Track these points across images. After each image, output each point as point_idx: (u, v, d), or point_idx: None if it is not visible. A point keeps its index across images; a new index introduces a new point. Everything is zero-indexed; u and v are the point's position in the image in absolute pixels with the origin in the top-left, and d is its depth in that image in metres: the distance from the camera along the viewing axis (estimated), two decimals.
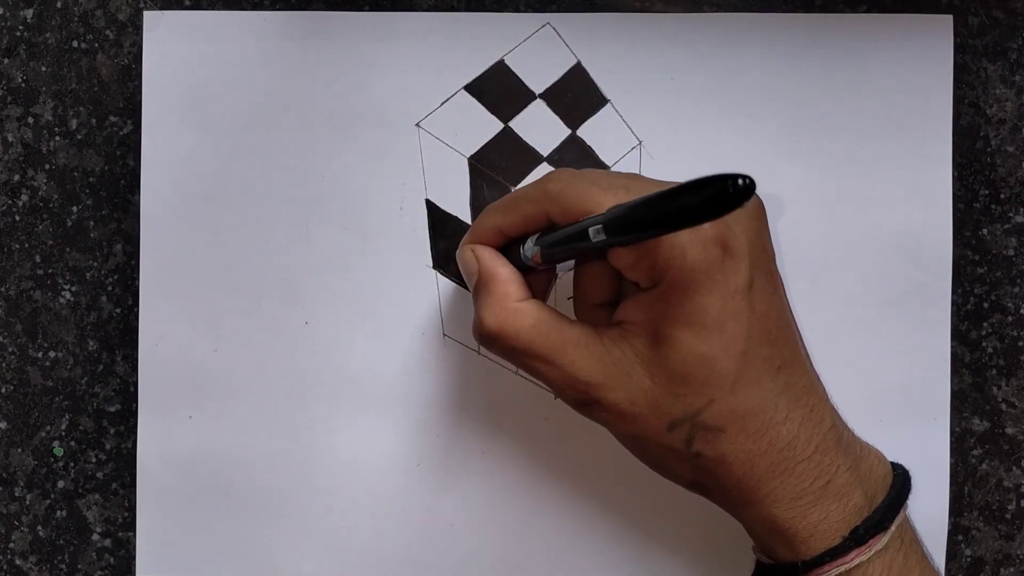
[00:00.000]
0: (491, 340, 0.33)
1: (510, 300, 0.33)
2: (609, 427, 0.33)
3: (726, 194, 0.25)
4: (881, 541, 0.32)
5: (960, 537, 0.40)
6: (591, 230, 0.29)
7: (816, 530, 0.32)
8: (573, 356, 0.32)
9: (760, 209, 0.32)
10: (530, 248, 0.33)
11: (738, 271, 0.30)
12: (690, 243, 0.30)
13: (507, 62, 0.39)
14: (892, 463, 0.34)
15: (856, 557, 0.31)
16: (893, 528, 0.32)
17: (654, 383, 0.31)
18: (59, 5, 0.40)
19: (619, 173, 0.33)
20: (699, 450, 0.31)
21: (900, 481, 0.33)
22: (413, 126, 0.39)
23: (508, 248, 0.34)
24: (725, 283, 0.30)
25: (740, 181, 0.25)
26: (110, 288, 0.40)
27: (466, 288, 0.39)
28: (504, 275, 0.33)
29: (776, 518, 0.32)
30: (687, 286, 0.30)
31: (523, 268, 0.34)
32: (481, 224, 0.35)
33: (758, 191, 0.32)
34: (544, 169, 0.39)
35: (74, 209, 0.40)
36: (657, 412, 0.31)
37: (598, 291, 0.34)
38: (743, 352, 0.30)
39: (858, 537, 0.31)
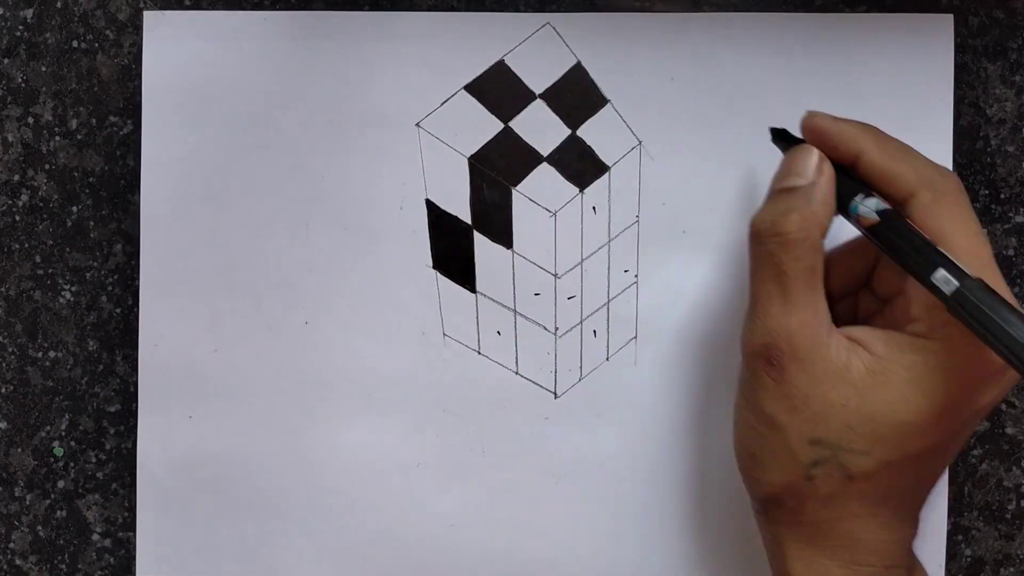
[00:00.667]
0: (780, 239, 0.30)
1: (820, 228, 0.31)
2: (752, 391, 0.32)
3: None
4: None
5: (960, 537, 0.40)
6: (937, 280, 0.28)
7: None
8: (808, 316, 0.30)
9: None
10: (867, 211, 0.31)
11: (1002, 394, 0.30)
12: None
13: (507, 62, 0.39)
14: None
15: None
16: None
17: (841, 404, 0.30)
18: (59, 5, 0.40)
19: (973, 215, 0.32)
20: (814, 475, 0.31)
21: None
22: (413, 126, 0.39)
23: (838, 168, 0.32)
24: (993, 395, 0.30)
25: None
26: (110, 288, 0.40)
27: (467, 288, 0.39)
28: (831, 206, 0.31)
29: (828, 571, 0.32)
30: (972, 371, 0.30)
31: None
32: (851, 132, 0.32)
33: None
34: (544, 169, 0.39)
35: (74, 209, 0.40)
36: (816, 421, 0.30)
37: (849, 275, 0.33)
38: (944, 448, 0.31)
39: None
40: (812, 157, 0.32)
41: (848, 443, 0.30)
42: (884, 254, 0.31)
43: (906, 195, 0.31)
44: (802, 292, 0.30)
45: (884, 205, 0.31)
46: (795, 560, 0.31)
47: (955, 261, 0.29)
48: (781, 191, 0.32)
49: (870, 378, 0.30)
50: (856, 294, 0.35)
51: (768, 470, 0.32)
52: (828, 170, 0.32)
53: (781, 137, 0.35)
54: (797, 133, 0.34)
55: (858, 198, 0.31)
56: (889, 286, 0.33)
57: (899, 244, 0.30)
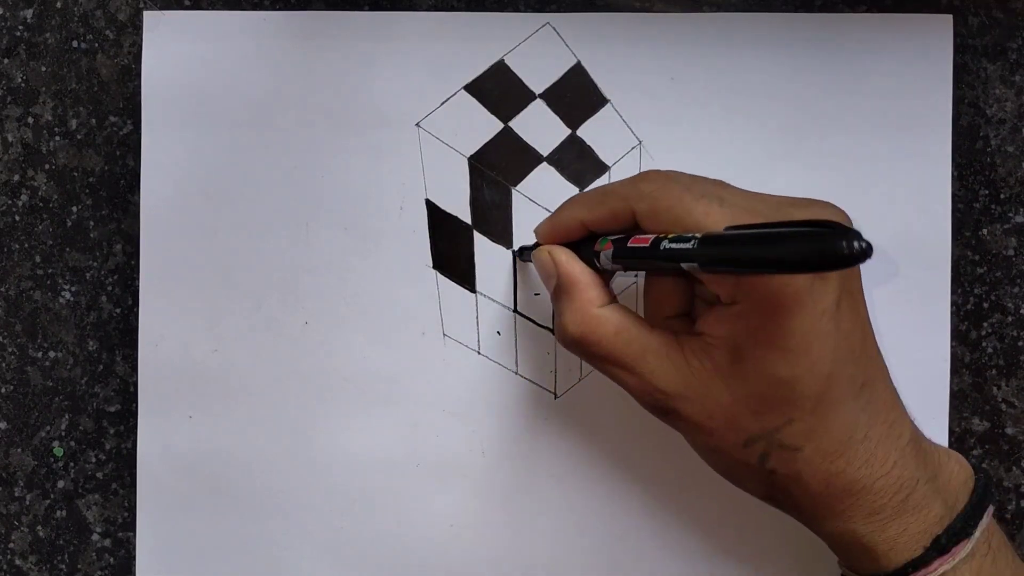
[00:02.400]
0: (574, 345, 0.33)
1: (592, 306, 0.32)
2: (685, 436, 0.33)
3: (840, 253, 0.23)
4: (966, 548, 0.31)
5: None
6: (685, 266, 0.28)
7: (896, 543, 0.31)
8: (653, 365, 0.31)
9: (848, 220, 0.31)
10: (607, 260, 0.32)
11: (826, 292, 0.29)
12: None
13: (507, 62, 0.39)
14: (973, 466, 0.34)
15: (940, 566, 0.31)
16: (978, 534, 0.31)
17: (733, 399, 0.30)
18: (59, 5, 0.40)
19: (708, 179, 0.32)
20: (774, 467, 0.31)
21: (982, 486, 0.33)
22: (413, 126, 0.39)
23: (581, 242, 0.34)
24: (813, 305, 0.29)
25: (857, 244, 0.23)
26: (110, 288, 0.40)
27: (467, 288, 0.39)
28: (584, 280, 0.33)
29: (853, 532, 0.31)
30: (774, 307, 0.29)
31: (593, 266, 0.33)
32: (563, 216, 0.35)
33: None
34: (544, 169, 0.39)
35: (74, 209, 0.40)
36: (734, 427, 0.31)
37: (671, 303, 0.33)
38: (828, 374, 0.30)
39: (940, 546, 0.31)
40: (543, 253, 0.35)
41: (769, 423, 0.30)
42: (653, 271, 0.33)
43: (631, 219, 0.32)
44: (630, 355, 0.32)
45: (608, 251, 0.32)
46: (855, 524, 0.31)
47: (682, 237, 0.29)
48: (551, 299, 0.34)
49: (731, 358, 0.30)
50: (692, 298, 0.35)
51: (743, 482, 0.33)
52: (561, 254, 0.34)
53: (523, 252, 0.38)
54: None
55: (598, 257, 0.33)
56: (715, 285, 0.32)
57: (642, 262, 0.31)
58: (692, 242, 0.28)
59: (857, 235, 0.23)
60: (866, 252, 0.23)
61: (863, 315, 0.31)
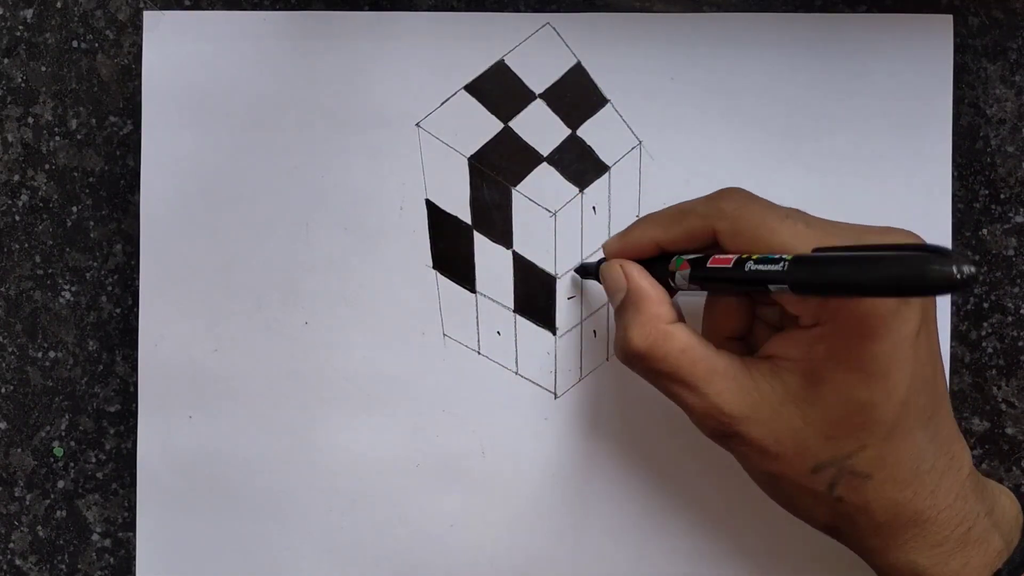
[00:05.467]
0: (637, 360, 0.32)
1: (661, 321, 0.32)
2: (744, 461, 0.32)
3: (949, 277, 0.22)
4: None
5: None
6: (773, 288, 0.28)
7: None
8: (720, 387, 0.31)
9: None
10: (683, 280, 0.32)
11: (910, 319, 0.29)
12: None
13: (507, 62, 0.39)
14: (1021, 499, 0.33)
15: None
16: None
17: (804, 423, 0.30)
18: (59, 5, 0.40)
19: (784, 207, 0.32)
20: (842, 495, 0.31)
21: None
22: (413, 126, 0.39)
23: (653, 264, 0.34)
24: (898, 329, 0.29)
25: (968, 269, 0.22)
26: (110, 288, 0.40)
27: (467, 288, 0.39)
28: (655, 296, 0.32)
29: (915, 564, 0.31)
30: (858, 331, 0.29)
31: (665, 286, 0.33)
32: (637, 234, 0.34)
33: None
34: (544, 169, 0.39)
35: (74, 209, 0.40)
36: (803, 453, 0.30)
37: (733, 323, 0.33)
38: (903, 401, 0.29)
39: None
40: (614, 267, 0.34)
41: (842, 449, 0.30)
42: (731, 293, 0.33)
43: (710, 239, 0.32)
44: (697, 374, 0.31)
45: (685, 271, 0.32)
46: (919, 556, 0.31)
47: (768, 257, 0.29)
48: (616, 312, 0.34)
49: (805, 381, 0.30)
50: (753, 320, 0.34)
51: (805, 511, 0.32)
52: (633, 268, 0.34)
53: (586, 271, 0.38)
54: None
55: (673, 278, 0.32)
56: (796, 307, 0.32)
57: (723, 283, 0.31)
58: (782, 264, 0.28)
59: (967, 258, 0.23)
60: (975, 277, 0.23)
61: (937, 346, 0.31)
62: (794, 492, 0.32)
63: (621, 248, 0.35)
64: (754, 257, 0.29)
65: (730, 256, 0.30)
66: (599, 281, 0.36)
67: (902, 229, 0.31)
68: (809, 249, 0.29)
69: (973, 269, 0.23)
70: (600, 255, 0.37)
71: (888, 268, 0.24)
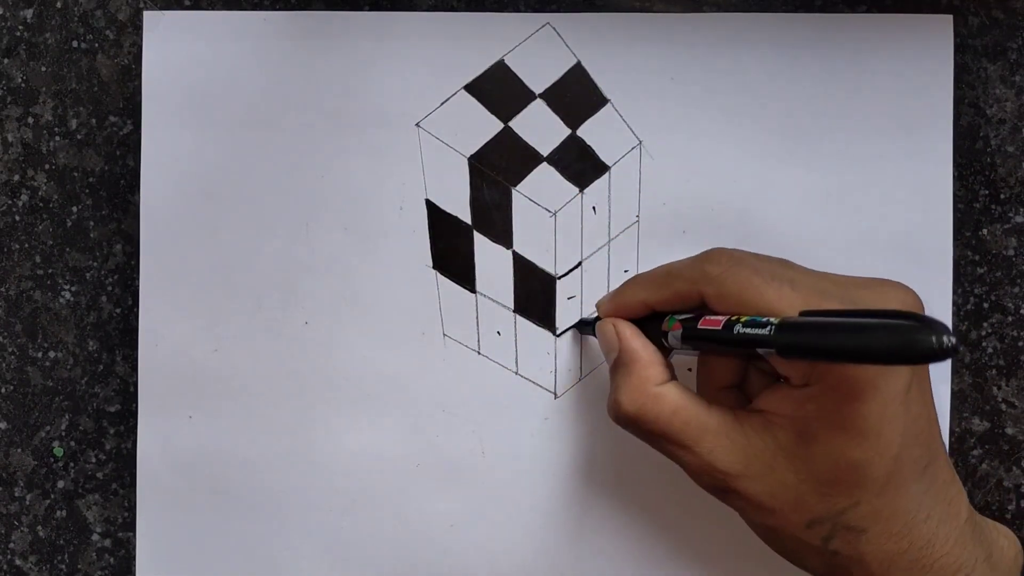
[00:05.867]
0: (628, 423, 0.32)
1: (651, 384, 0.32)
2: (742, 514, 0.33)
3: (929, 348, 0.23)
4: None
5: None
6: (761, 351, 0.28)
7: None
8: (712, 444, 0.31)
9: (920, 303, 0.31)
10: (675, 340, 0.32)
11: (899, 378, 0.29)
12: None
13: (507, 62, 0.39)
14: (1020, 538, 0.34)
15: None
16: None
17: (798, 479, 0.30)
18: (59, 5, 0.40)
19: (773, 259, 0.32)
20: (837, 548, 0.31)
21: None
22: (413, 126, 0.39)
23: (649, 319, 0.34)
24: (887, 389, 0.29)
25: (947, 340, 0.23)
26: (110, 288, 0.40)
27: (467, 288, 0.39)
28: (646, 358, 0.33)
29: None
30: (847, 391, 0.29)
31: (659, 343, 0.33)
32: (626, 295, 0.35)
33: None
34: (544, 169, 0.39)
35: (74, 209, 0.40)
36: (798, 508, 0.31)
37: (727, 375, 0.33)
38: (895, 456, 0.30)
39: None
40: (607, 326, 0.35)
41: (836, 505, 0.30)
42: (722, 354, 0.33)
43: (697, 301, 0.32)
44: (689, 434, 0.31)
45: (677, 332, 0.32)
46: None
47: (756, 320, 0.29)
48: (610, 372, 0.34)
49: (797, 439, 0.30)
50: (747, 370, 0.34)
51: (801, 562, 0.32)
52: (625, 328, 0.34)
53: (584, 326, 0.38)
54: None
55: (666, 337, 0.33)
56: (786, 369, 0.32)
57: (713, 344, 0.31)
58: (768, 328, 0.28)
59: (946, 330, 0.23)
60: (955, 348, 0.23)
61: (930, 399, 0.31)
62: (791, 545, 0.32)
63: (613, 308, 0.35)
64: (743, 320, 0.29)
65: (720, 318, 0.31)
66: (593, 335, 0.36)
67: (891, 281, 0.31)
68: (796, 311, 0.29)
69: (954, 340, 0.23)
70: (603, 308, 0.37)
71: (871, 338, 0.25)
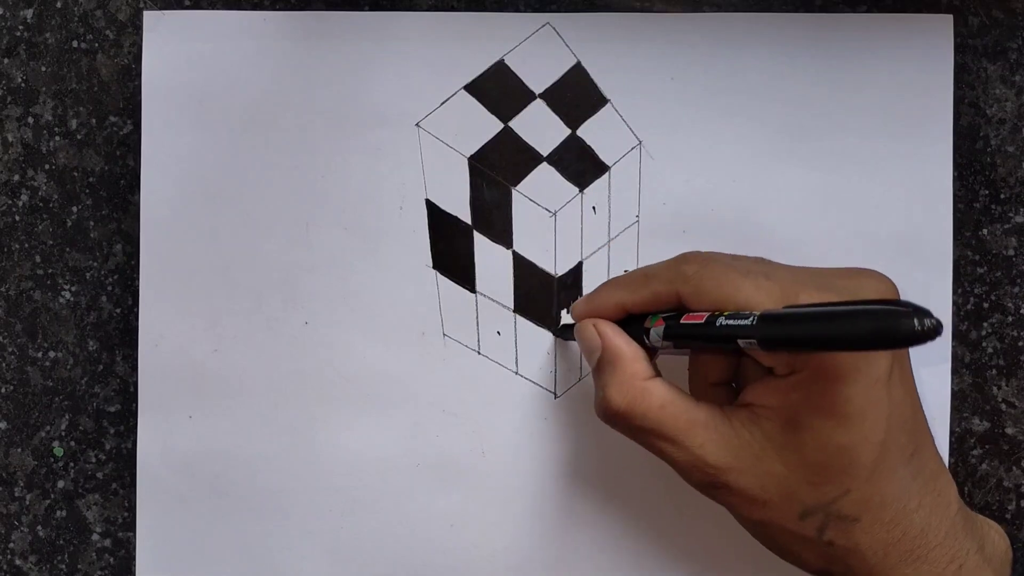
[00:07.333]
0: (618, 419, 0.32)
1: (637, 379, 0.32)
2: (734, 511, 0.33)
3: (910, 332, 0.23)
4: None
5: None
6: (742, 342, 0.28)
7: None
8: (702, 439, 0.31)
9: (896, 290, 0.31)
10: (657, 337, 0.32)
11: (881, 361, 0.29)
12: None
13: (507, 62, 0.39)
14: (1008, 533, 0.34)
15: None
16: None
17: (788, 470, 0.30)
18: (59, 5, 0.40)
19: (748, 257, 0.32)
20: (831, 539, 0.31)
21: (1023, 556, 0.33)
22: (413, 126, 0.39)
23: (627, 322, 0.34)
24: (868, 372, 0.29)
25: (928, 322, 0.23)
26: (110, 288, 0.40)
27: (467, 288, 0.39)
28: (630, 353, 0.33)
29: None
30: (830, 376, 0.29)
31: (640, 342, 0.33)
32: (602, 298, 0.34)
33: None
34: (544, 169, 0.39)
35: (74, 209, 0.40)
36: (789, 499, 0.31)
37: (717, 371, 0.33)
38: (882, 442, 0.30)
39: None
40: (587, 327, 0.34)
41: (827, 494, 0.30)
42: (705, 350, 0.33)
43: (675, 302, 0.32)
44: (678, 428, 0.31)
45: (659, 328, 0.32)
46: None
47: (739, 313, 0.29)
48: (593, 373, 0.34)
49: (784, 428, 0.30)
50: (738, 366, 0.34)
51: (796, 557, 0.32)
52: (606, 327, 0.34)
53: (565, 332, 0.38)
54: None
55: (647, 335, 0.33)
56: (769, 359, 0.32)
57: (696, 340, 0.31)
58: (751, 319, 0.28)
59: (926, 312, 0.23)
60: (936, 329, 0.23)
61: (912, 385, 0.31)
62: (784, 539, 0.32)
63: (587, 311, 0.35)
64: (725, 314, 0.30)
65: (703, 313, 0.31)
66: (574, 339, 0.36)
67: (867, 270, 0.31)
68: (775, 301, 0.29)
69: (935, 321, 0.23)
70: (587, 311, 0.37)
71: (853, 325, 0.25)
